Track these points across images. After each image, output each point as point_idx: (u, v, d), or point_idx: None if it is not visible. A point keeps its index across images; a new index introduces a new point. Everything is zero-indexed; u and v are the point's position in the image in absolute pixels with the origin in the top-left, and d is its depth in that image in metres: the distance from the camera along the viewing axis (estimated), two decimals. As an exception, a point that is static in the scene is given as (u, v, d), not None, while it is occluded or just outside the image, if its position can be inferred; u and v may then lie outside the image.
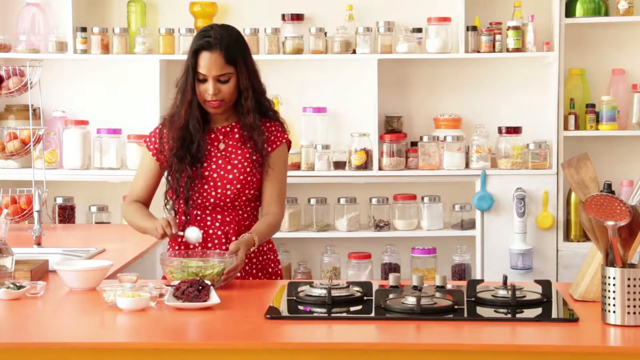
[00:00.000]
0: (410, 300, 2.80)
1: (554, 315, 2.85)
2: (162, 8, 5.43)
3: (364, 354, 2.56)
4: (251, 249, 3.30)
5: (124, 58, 5.29)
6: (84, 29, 5.22)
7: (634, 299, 2.62)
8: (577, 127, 5.24)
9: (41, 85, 4.66)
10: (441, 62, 5.32)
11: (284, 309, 2.88)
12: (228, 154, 3.46)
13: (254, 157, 3.44)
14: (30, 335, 2.68)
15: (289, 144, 3.54)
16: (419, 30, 5.24)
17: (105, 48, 5.23)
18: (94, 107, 5.42)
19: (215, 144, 3.47)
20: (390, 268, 5.25)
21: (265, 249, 3.53)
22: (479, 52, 5.20)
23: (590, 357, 2.52)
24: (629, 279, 2.63)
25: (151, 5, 5.42)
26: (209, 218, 3.47)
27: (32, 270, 3.23)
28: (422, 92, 5.41)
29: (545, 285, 2.99)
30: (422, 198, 5.26)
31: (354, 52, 5.23)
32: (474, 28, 5.19)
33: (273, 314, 2.79)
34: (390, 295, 2.89)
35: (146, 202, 3.54)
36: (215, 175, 3.43)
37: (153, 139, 3.52)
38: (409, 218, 5.26)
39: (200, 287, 2.91)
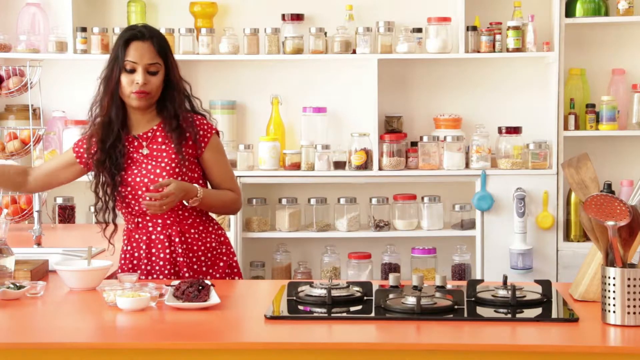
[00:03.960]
0: (410, 300, 2.80)
1: (554, 315, 2.85)
2: (162, 8, 5.43)
3: (364, 354, 2.56)
4: (193, 198, 3.35)
5: (124, 58, 5.28)
6: (84, 29, 5.22)
7: (634, 299, 2.62)
8: (577, 127, 5.24)
9: (41, 85, 4.66)
10: (441, 62, 5.32)
11: (284, 309, 2.88)
12: (154, 158, 3.44)
13: (181, 156, 3.41)
14: (30, 335, 2.68)
15: (218, 133, 3.53)
16: (419, 30, 5.24)
17: (105, 48, 5.23)
18: (94, 107, 5.41)
19: (140, 150, 3.46)
20: (390, 268, 5.25)
21: (214, 244, 3.50)
22: (479, 52, 5.20)
23: (590, 357, 2.52)
24: (629, 279, 2.63)
25: (151, 5, 5.42)
26: (150, 224, 3.45)
27: (32, 270, 3.23)
28: (422, 92, 5.41)
29: (545, 285, 2.99)
30: (422, 198, 5.26)
31: (354, 52, 5.23)
32: (474, 28, 5.19)
33: (273, 314, 2.79)
34: (390, 295, 2.89)
35: (37, 183, 3.59)
36: (146, 180, 3.41)
37: (81, 143, 3.53)
38: (409, 218, 5.26)
39: (200, 287, 2.91)
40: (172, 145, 3.42)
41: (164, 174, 3.40)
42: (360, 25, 5.21)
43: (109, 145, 3.42)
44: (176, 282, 3.05)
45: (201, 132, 3.46)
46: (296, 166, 5.21)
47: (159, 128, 3.46)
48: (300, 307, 2.91)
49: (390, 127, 5.33)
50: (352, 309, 2.89)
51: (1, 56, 5.21)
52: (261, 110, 5.37)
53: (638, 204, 2.70)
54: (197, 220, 3.48)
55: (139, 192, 3.41)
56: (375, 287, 3.01)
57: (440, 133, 5.25)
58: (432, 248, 5.26)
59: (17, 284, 3.04)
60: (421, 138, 5.24)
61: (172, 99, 3.43)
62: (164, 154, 3.43)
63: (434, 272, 5.17)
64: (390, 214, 5.29)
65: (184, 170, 3.42)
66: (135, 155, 3.45)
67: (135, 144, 3.46)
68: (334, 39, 5.22)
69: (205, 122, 3.49)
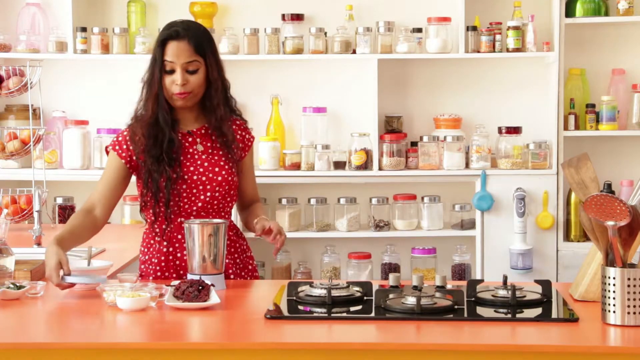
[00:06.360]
0: (410, 300, 2.80)
1: (554, 315, 2.85)
2: (162, 8, 5.43)
3: (364, 354, 2.56)
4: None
5: (124, 58, 5.29)
6: (84, 29, 5.22)
7: (634, 299, 2.62)
8: (577, 127, 5.24)
9: (41, 85, 4.66)
10: (441, 62, 5.32)
11: (284, 309, 2.88)
12: (210, 156, 3.41)
13: (235, 156, 3.43)
14: (30, 335, 2.68)
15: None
16: (419, 30, 5.24)
17: (105, 48, 5.23)
18: (94, 107, 5.42)
19: (194, 146, 3.42)
20: (390, 268, 5.25)
21: (244, 246, 3.53)
22: (479, 52, 5.20)
23: (590, 357, 2.51)
24: (629, 279, 2.63)
25: (151, 5, 5.42)
26: None
27: (32, 270, 3.23)
28: (422, 92, 5.41)
29: (545, 285, 2.99)
30: (422, 198, 5.26)
31: (354, 52, 5.23)
32: (474, 28, 5.19)
33: (274, 313, 2.79)
34: (390, 295, 2.89)
35: (105, 212, 3.36)
36: (204, 178, 3.37)
37: (123, 144, 3.38)
38: (409, 218, 5.26)
39: (200, 287, 2.91)
40: (225, 146, 3.42)
41: (223, 172, 3.39)
42: (360, 25, 5.21)
43: (161, 140, 3.35)
44: (176, 282, 3.05)
45: (247, 137, 3.50)
46: (296, 166, 5.21)
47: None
48: (300, 307, 2.91)
49: (390, 127, 5.33)
50: (352, 309, 2.89)
51: (1, 56, 5.21)
52: (261, 110, 5.36)
53: (638, 204, 2.70)
54: (233, 223, 3.49)
55: (194, 191, 3.36)
56: (375, 287, 3.01)
57: (440, 133, 5.25)
58: (432, 248, 5.26)
59: (17, 284, 3.04)
60: (421, 138, 5.24)
61: (211, 97, 3.39)
62: (220, 152, 3.43)
63: (434, 272, 5.17)
64: (390, 214, 5.29)
65: (235, 171, 3.44)
66: (190, 150, 3.41)
67: (190, 139, 3.42)
68: (334, 39, 5.22)
69: (247, 128, 3.53)
